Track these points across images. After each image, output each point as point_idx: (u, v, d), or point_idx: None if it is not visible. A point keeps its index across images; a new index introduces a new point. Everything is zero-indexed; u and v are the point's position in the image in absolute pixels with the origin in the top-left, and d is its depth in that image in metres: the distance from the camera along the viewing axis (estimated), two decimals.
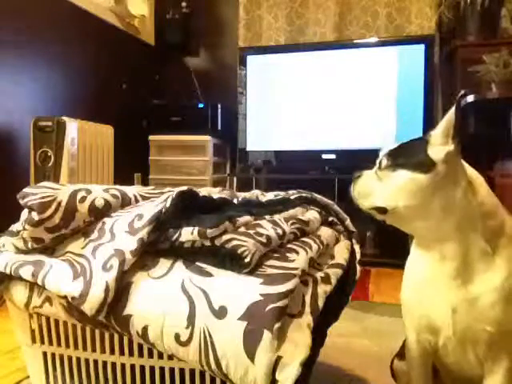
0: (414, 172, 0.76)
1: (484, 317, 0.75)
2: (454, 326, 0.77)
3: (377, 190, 0.80)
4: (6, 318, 0.93)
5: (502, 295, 0.74)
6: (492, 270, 0.75)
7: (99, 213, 0.89)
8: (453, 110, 0.74)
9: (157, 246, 0.81)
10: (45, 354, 0.92)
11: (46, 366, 0.92)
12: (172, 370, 0.83)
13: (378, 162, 0.82)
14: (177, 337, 0.72)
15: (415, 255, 0.84)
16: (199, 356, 0.71)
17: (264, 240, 0.81)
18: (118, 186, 0.98)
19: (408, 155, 0.78)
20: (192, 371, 0.82)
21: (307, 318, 0.74)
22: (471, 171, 0.80)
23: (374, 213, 0.82)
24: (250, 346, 0.67)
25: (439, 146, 0.76)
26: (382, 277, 2.25)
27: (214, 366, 0.69)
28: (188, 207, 0.86)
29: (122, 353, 0.85)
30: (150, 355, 0.83)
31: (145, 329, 0.74)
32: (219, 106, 3.00)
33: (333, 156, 2.76)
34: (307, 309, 0.76)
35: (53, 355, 0.91)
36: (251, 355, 0.66)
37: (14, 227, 0.89)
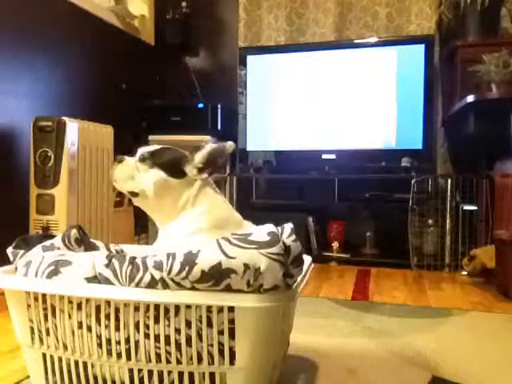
0: (168, 175, 0.99)
1: None
2: None
3: (135, 177, 1.01)
4: (6, 318, 0.93)
5: None
6: None
7: None
8: (214, 146, 0.98)
9: None
10: (44, 355, 0.92)
11: (46, 366, 0.92)
12: (169, 374, 0.83)
13: (139, 155, 1.03)
14: None
15: None
16: None
17: None
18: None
19: (167, 161, 1.01)
20: (191, 374, 0.82)
21: None
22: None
23: (128, 194, 1.03)
24: None
25: (193, 168, 0.99)
26: (382, 277, 2.25)
27: None
28: None
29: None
30: (149, 359, 0.83)
31: None
32: (219, 106, 3.00)
33: (333, 156, 2.76)
34: None
35: (51, 357, 0.91)
36: None
37: None
